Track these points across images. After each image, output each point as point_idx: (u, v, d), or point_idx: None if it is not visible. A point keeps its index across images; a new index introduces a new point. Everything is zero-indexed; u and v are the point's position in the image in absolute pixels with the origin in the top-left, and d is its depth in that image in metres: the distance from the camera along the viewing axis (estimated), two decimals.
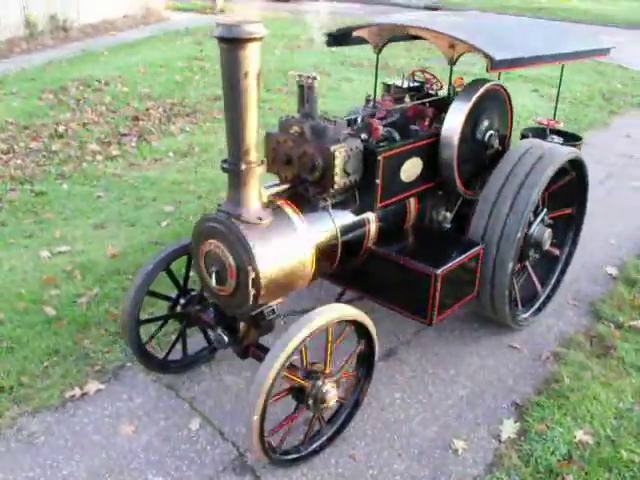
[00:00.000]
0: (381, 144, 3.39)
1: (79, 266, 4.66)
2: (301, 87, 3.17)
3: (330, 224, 3.23)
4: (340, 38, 3.91)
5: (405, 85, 4.21)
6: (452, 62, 3.72)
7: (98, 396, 3.54)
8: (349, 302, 3.79)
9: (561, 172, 3.93)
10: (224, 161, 2.91)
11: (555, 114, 4.76)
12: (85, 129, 7.35)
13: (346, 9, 19.23)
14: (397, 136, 3.54)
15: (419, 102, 3.94)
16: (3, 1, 11.75)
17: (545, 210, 4.06)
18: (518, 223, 3.64)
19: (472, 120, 3.59)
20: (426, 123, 3.81)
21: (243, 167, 2.83)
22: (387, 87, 4.21)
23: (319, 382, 2.93)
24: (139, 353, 3.46)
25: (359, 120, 3.60)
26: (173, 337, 3.83)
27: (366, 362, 3.25)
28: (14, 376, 3.59)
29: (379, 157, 3.24)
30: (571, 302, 4.57)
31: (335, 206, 3.28)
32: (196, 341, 3.79)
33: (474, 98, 3.53)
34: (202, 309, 3.56)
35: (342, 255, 3.32)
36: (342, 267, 3.45)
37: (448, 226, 3.90)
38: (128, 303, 3.32)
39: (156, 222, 5.36)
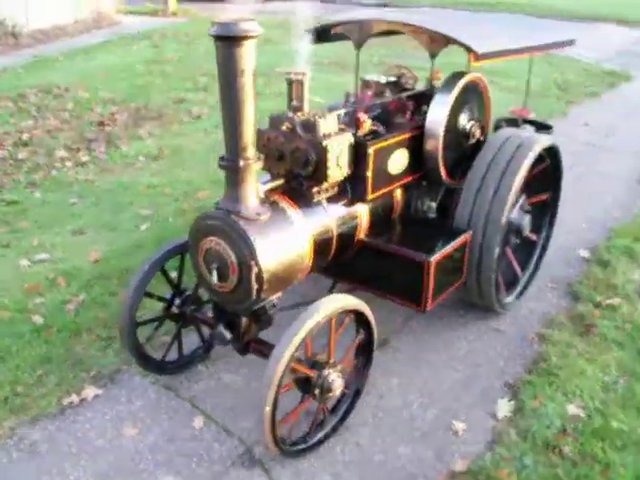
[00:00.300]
0: (368, 137, 3.46)
1: (62, 273, 4.60)
2: (290, 83, 3.22)
3: (325, 217, 3.29)
4: (321, 34, 3.97)
5: (383, 80, 4.29)
6: (433, 56, 3.82)
7: (97, 401, 3.52)
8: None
9: (538, 159, 4.07)
10: (221, 158, 2.94)
11: (525, 104, 4.92)
12: (50, 136, 7.23)
13: (308, 9, 19.24)
14: (382, 129, 3.62)
15: (400, 96, 4.03)
16: None
17: (524, 196, 4.20)
18: (502, 209, 3.76)
19: (455, 111, 3.70)
20: (407, 116, 3.91)
21: (241, 164, 2.86)
22: (365, 83, 4.29)
23: (325, 372, 2.99)
24: (137, 355, 3.46)
25: (342, 114, 3.66)
26: (164, 338, 3.85)
27: (365, 351, 3.32)
28: (8, 386, 3.54)
29: (369, 150, 3.32)
30: (549, 285, 4.73)
31: (328, 199, 3.34)
32: (190, 341, 3.80)
33: (456, 90, 3.63)
34: (197, 308, 3.59)
35: (337, 247, 3.38)
36: (335, 259, 3.51)
37: (433, 215, 4.00)
38: (125, 305, 3.31)
39: (135, 226, 5.33)
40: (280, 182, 3.22)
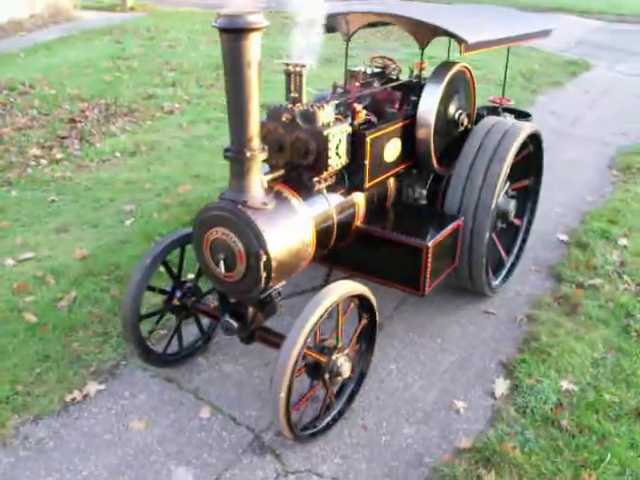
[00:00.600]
0: (363, 127, 3.53)
1: (50, 271, 4.55)
2: (289, 75, 3.25)
3: (326, 205, 3.35)
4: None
5: (368, 71, 4.36)
6: (423, 47, 3.90)
7: (100, 397, 3.51)
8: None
9: (521, 146, 4.20)
10: (227, 150, 2.95)
11: (503, 93, 5.06)
12: (21, 134, 7.07)
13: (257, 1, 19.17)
14: (375, 119, 3.69)
15: (387, 86, 4.10)
16: None
17: (508, 182, 4.33)
18: (492, 195, 3.88)
19: (444, 101, 3.79)
20: (397, 106, 3.98)
21: (248, 154, 2.89)
22: (352, 73, 4.34)
23: (334, 356, 3.05)
24: (140, 349, 3.46)
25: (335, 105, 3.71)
26: (162, 331, 3.87)
27: (368, 335, 3.40)
28: (8, 385, 3.50)
29: (367, 139, 3.38)
30: (533, 268, 4.89)
31: (328, 188, 3.39)
32: (188, 333, 3.81)
33: (446, 80, 3.73)
34: (198, 300, 3.61)
35: (337, 235, 3.44)
36: (332, 247, 3.57)
37: (424, 202, 4.09)
38: (129, 299, 3.31)
39: (119, 221, 5.29)
40: (280, 172, 3.26)
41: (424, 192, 4.08)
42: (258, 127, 2.89)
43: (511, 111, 5.00)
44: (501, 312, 4.33)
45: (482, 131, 4.07)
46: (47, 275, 4.50)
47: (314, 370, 3.07)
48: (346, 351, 3.13)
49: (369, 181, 3.51)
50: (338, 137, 3.25)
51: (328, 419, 3.27)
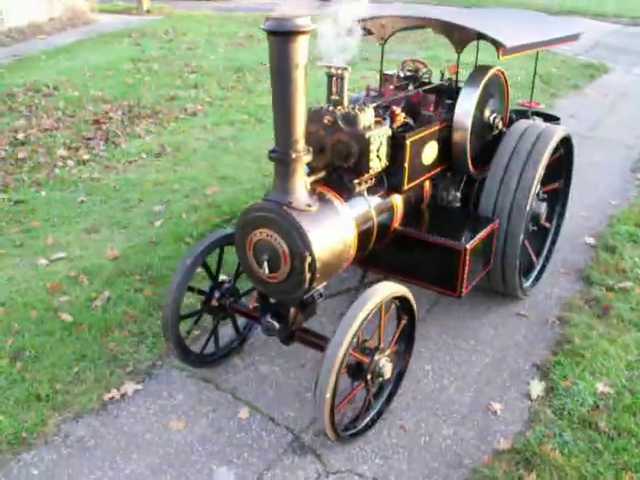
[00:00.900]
0: (400, 129, 3.55)
1: (83, 271, 4.59)
2: (330, 77, 3.28)
3: (366, 207, 3.37)
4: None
5: (402, 75, 4.39)
6: (459, 51, 3.92)
7: (138, 396, 3.54)
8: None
9: (553, 149, 4.21)
10: (272, 151, 2.98)
11: (532, 97, 5.07)
12: (47, 135, 7.14)
13: (272, 5, 19.29)
14: (411, 122, 3.71)
15: (419, 90, 4.12)
16: None
17: (539, 185, 4.33)
18: (526, 197, 3.89)
19: (480, 104, 3.81)
20: (431, 109, 4.01)
21: (293, 156, 2.91)
22: (386, 77, 4.38)
23: (376, 357, 3.07)
24: (179, 349, 3.49)
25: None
26: (196, 332, 3.90)
27: (407, 336, 3.41)
28: (47, 384, 3.54)
29: (407, 141, 3.41)
30: (562, 270, 4.89)
31: (368, 190, 3.41)
32: (223, 333, 3.84)
33: (482, 84, 3.75)
34: (236, 300, 3.63)
35: (376, 237, 3.47)
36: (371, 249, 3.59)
37: (458, 205, 4.11)
38: (170, 299, 3.34)
39: (149, 222, 5.33)
40: (322, 174, 3.28)
41: (458, 195, 4.09)
42: (304, 129, 2.92)
43: (540, 115, 5.01)
44: (532, 314, 4.34)
45: (516, 134, 4.08)
46: (80, 275, 4.54)
47: (356, 371, 3.09)
48: (387, 352, 3.15)
49: (408, 183, 3.53)
50: (379, 140, 3.27)
51: (367, 419, 3.29)
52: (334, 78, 3.26)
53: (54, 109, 8.03)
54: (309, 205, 3.01)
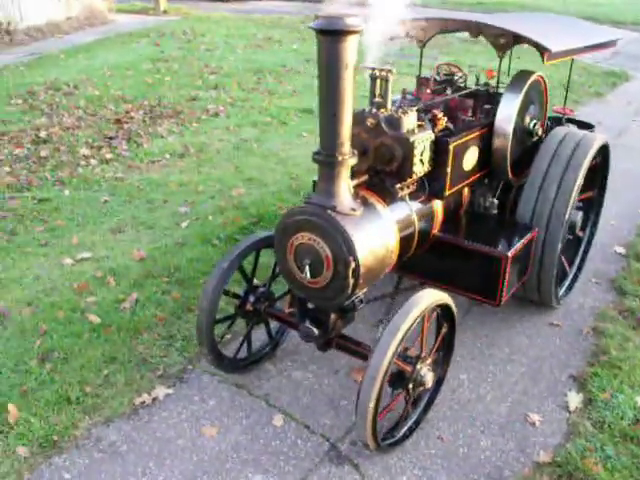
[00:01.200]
0: (441, 134, 3.48)
1: (109, 271, 4.54)
2: (374, 79, 3.22)
3: (408, 212, 3.30)
4: None
5: (437, 79, 4.32)
6: (501, 55, 3.85)
7: (169, 401, 3.48)
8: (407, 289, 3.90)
9: None
10: (317, 153, 2.91)
11: (565, 103, 4.99)
12: (69, 134, 7.11)
13: (290, 7, 19.32)
14: (451, 126, 3.64)
15: (455, 95, 4.05)
16: None
17: None
18: (566, 206, 3.82)
19: (522, 110, 3.74)
20: (469, 113, 3.94)
21: (339, 159, 2.85)
22: (421, 81, 4.31)
23: (418, 366, 3.00)
24: (214, 354, 3.43)
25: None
26: (227, 337, 3.83)
27: (447, 344, 3.34)
28: (77, 386, 3.48)
29: (450, 146, 3.34)
30: (593, 280, 4.81)
31: (410, 195, 3.35)
32: (255, 338, 3.77)
33: (524, 89, 3.68)
34: (270, 305, 3.57)
35: (418, 242, 3.40)
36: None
37: (495, 211, 4.03)
38: (206, 303, 3.29)
39: (174, 223, 5.27)
40: (365, 178, 3.22)
41: (496, 201, 4.02)
42: (350, 131, 2.85)
43: (573, 122, 4.94)
44: (566, 324, 4.26)
45: (554, 141, 4.01)
46: (107, 276, 4.49)
47: (397, 380, 3.02)
48: (428, 360, 3.08)
49: (449, 189, 3.46)
50: (423, 144, 3.21)
51: (405, 429, 3.22)
52: (378, 80, 3.20)
53: (75, 108, 8.00)
54: (353, 209, 2.94)
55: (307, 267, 2.96)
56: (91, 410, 3.37)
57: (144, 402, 3.45)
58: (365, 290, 3.18)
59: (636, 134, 8.47)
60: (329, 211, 2.89)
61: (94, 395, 3.46)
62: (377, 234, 3.04)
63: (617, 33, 4.81)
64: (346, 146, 2.86)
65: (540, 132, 3.99)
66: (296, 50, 12.10)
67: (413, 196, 3.37)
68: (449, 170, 3.39)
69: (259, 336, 3.82)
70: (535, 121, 3.93)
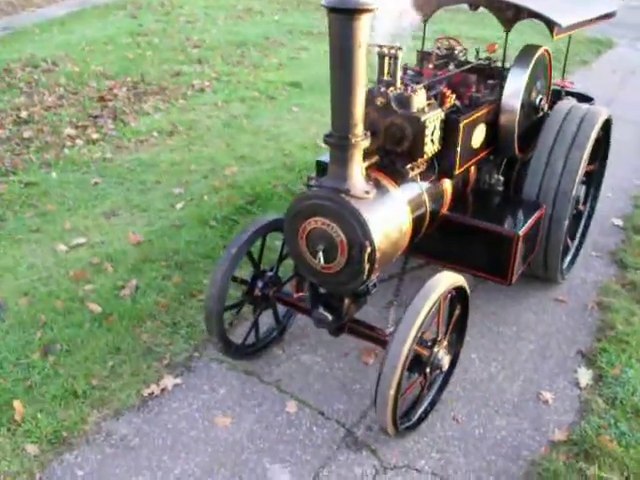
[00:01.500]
0: (449, 111, 3.40)
1: (106, 257, 4.42)
2: (382, 57, 3.11)
3: (420, 193, 3.24)
4: None
5: (440, 53, 4.21)
6: (508, 29, 3.74)
7: (178, 391, 3.41)
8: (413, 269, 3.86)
9: None
10: (328, 135, 2.81)
11: (563, 76, 4.93)
12: (52, 113, 6.88)
13: None
14: (458, 103, 3.56)
15: (463, 68, 3.96)
16: None
17: None
18: (572, 181, 3.78)
19: (529, 85, 3.67)
20: (473, 89, 3.86)
21: (352, 141, 2.76)
22: (422, 55, 4.20)
23: (435, 349, 2.97)
24: (222, 340, 3.37)
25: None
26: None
27: (460, 325, 3.31)
28: (82, 379, 3.39)
29: (461, 124, 3.26)
30: (593, 254, 4.81)
31: (420, 175, 3.28)
32: (262, 322, 3.70)
33: (531, 64, 3.60)
34: (278, 289, 3.50)
35: (428, 223, 3.34)
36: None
37: (501, 188, 3.98)
38: (215, 289, 3.21)
39: (169, 205, 5.15)
40: (376, 159, 3.13)
41: (501, 178, 3.97)
42: (363, 112, 2.76)
43: (573, 94, 4.88)
44: (571, 299, 4.25)
45: (559, 116, 3.95)
46: (104, 262, 4.37)
47: (415, 364, 2.98)
48: (444, 343, 3.05)
49: (459, 168, 3.39)
50: (433, 123, 3.14)
51: (420, 411, 3.19)
52: (386, 58, 3.09)
53: (55, 85, 7.74)
54: (367, 192, 2.86)
55: (321, 253, 2.88)
56: (99, 403, 3.29)
57: (153, 393, 3.37)
58: (378, 274, 3.12)
59: (625, 104, 8.44)
60: (343, 195, 2.80)
61: (101, 388, 3.38)
62: (391, 217, 2.98)
63: (612, 4, 4.74)
64: (359, 128, 2.77)
65: (546, 107, 3.92)
66: (278, 21, 11.84)
67: (423, 176, 3.30)
68: (459, 149, 3.31)
69: (266, 320, 3.75)
70: (541, 96, 3.86)
